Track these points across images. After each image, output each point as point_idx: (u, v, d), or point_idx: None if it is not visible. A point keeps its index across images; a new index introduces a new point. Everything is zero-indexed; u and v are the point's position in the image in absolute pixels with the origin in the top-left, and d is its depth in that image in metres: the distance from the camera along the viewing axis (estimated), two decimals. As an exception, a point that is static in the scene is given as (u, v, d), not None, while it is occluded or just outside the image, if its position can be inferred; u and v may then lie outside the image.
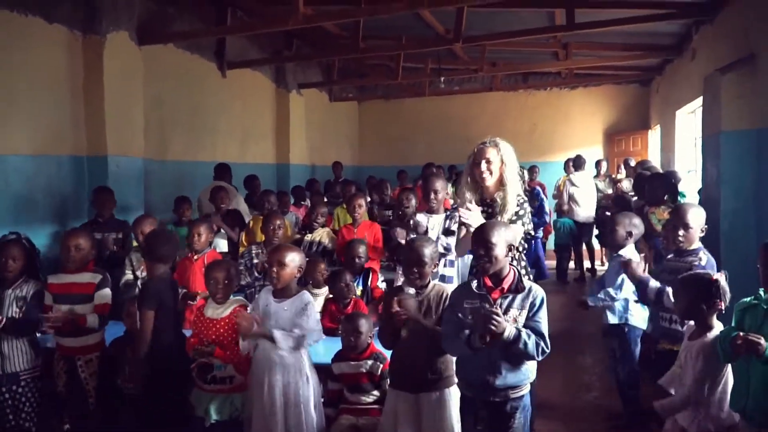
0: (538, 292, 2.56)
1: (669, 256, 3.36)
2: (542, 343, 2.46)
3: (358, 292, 3.96)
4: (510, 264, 2.61)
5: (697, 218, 3.24)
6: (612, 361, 3.93)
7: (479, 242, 2.55)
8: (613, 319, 3.75)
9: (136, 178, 5.90)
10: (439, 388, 2.71)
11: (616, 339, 3.80)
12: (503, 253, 2.55)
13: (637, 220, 3.82)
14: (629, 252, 3.71)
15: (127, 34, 5.75)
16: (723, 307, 2.55)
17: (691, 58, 7.39)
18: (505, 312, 2.48)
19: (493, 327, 2.36)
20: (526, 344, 2.42)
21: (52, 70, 5.28)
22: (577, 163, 8.86)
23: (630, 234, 3.73)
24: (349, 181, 8.22)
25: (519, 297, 2.53)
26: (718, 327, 2.57)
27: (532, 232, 3.45)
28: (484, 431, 2.64)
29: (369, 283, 4.11)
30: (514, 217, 3.23)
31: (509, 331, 2.40)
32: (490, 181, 3.29)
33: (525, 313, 2.51)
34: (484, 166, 3.26)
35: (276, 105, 9.43)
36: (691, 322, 2.69)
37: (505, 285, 2.54)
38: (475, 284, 2.58)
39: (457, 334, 2.51)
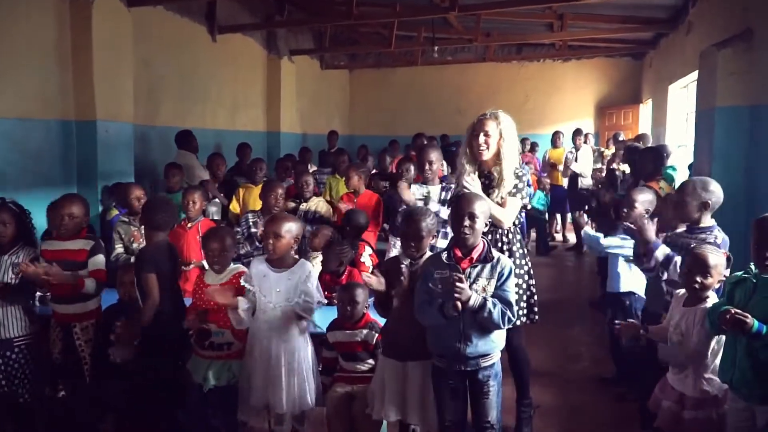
0: (506, 262, 2.63)
1: (680, 231, 3.25)
2: (509, 312, 2.53)
3: None
4: (482, 236, 2.66)
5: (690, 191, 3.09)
6: (610, 331, 3.84)
7: (465, 213, 2.59)
8: (625, 287, 3.76)
9: (125, 144, 5.81)
10: (425, 358, 2.74)
11: (617, 308, 3.79)
12: (483, 225, 2.63)
13: (653, 197, 3.77)
14: None
15: (116, -5, 5.61)
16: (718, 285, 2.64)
17: (686, 32, 7.36)
18: (474, 281, 2.55)
19: (456, 294, 2.43)
20: (491, 312, 2.49)
21: (39, 31, 5.13)
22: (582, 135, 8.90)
23: (647, 211, 3.70)
24: (342, 150, 8.12)
25: (487, 267, 2.59)
26: (713, 297, 2.66)
27: (530, 205, 3.44)
28: (459, 403, 2.69)
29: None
30: (513, 190, 3.23)
31: (474, 299, 2.48)
32: (487, 155, 3.25)
33: (494, 282, 2.57)
34: (482, 138, 3.22)
35: (267, 71, 9.29)
36: (681, 291, 2.77)
37: (474, 255, 2.60)
38: (445, 255, 2.63)
39: (429, 303, 2.58)
